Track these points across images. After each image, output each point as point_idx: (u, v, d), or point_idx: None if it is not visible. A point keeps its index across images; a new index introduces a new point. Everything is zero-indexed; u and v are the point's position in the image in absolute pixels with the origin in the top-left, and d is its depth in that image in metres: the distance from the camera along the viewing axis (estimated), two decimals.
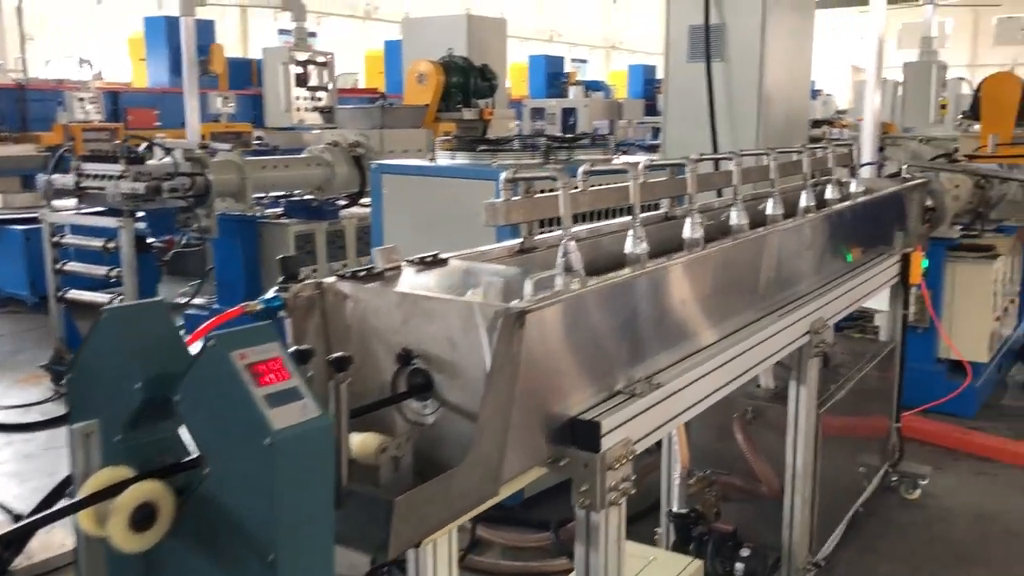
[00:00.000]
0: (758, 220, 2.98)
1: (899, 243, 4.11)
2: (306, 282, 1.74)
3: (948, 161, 6.09)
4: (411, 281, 1.82)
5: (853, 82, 21.17)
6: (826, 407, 3.18)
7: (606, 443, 1.80)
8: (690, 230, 2.49)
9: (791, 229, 3.02)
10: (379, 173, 4.00)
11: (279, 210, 6.50)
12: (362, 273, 1.78)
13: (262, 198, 6.59)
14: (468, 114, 8.02)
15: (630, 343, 2.02)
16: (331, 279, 1.77)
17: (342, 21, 27.06)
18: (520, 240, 2.37)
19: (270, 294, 1.75)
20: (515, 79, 25.70)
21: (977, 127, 6.43)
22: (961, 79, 12.36)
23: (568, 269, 2.05)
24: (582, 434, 1.79)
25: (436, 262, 1.96)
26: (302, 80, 7.91)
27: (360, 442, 1.49)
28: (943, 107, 6.66)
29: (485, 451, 1.54)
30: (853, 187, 4.01)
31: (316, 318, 1.75)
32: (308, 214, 6.42)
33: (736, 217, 2.83)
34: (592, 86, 21.55)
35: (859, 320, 5.18)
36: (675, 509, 3.13)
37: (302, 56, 7.95)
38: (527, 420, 1.67)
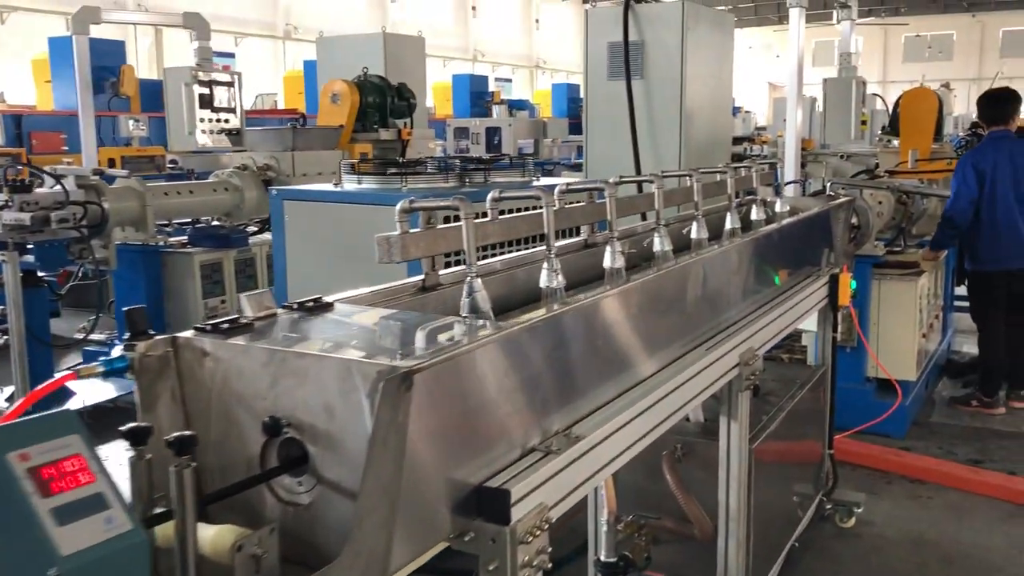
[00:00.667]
0: (682, 244, 2.81)
1: (827, 263, 3.99)
2: (157, 338, 1.47)
3: (870, 177, 6.06)
4: (285, 333, 1.56)
5: (771, 99, 21.52)
6: (759, 440, 3.01)
7: (517, 512, 1.57)
8: (611, 259, 2.29)
9: (717, 255, 2.84)
10: (279, 199, 3.72)
11: (184, 238, 6.14)
12: (225, 325, 1.51)
13: (166, 225, 6.23)
14: (385, 134, 7.75)
15: (544, 392, 1.79)
16: (188, 333, 1.50)
17: (261, 41, 26.59)
18: (423, 276, 2.13)
19: (115, 352, 1.48)
20: (439, 99, 25.51)
21: (896, 143, 6.43)
22: (875, 95, 12.59)
23: (473, 310, 1.82)
24: (489, 504, 1.55)
25: (318, 307, 1.71)
26: (206, 101, 7.55)
27: (213, 538, 1.23)
28: (864, 123, 6.66)
29: (368, 539, 1.29)
30: (778, 207, 3.88)
31: (170, 381, 1.48)
32: (215, 242, 6.07)
33: (659, 243, 2.64)
34: (516, 105, 21.48)
35: (787, 340, 5.08)
36: (603, 557, 2.91)
37: (206, 76, 7.58)
38: (423, 493, 1.43)
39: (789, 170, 5.19)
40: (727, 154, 6.49)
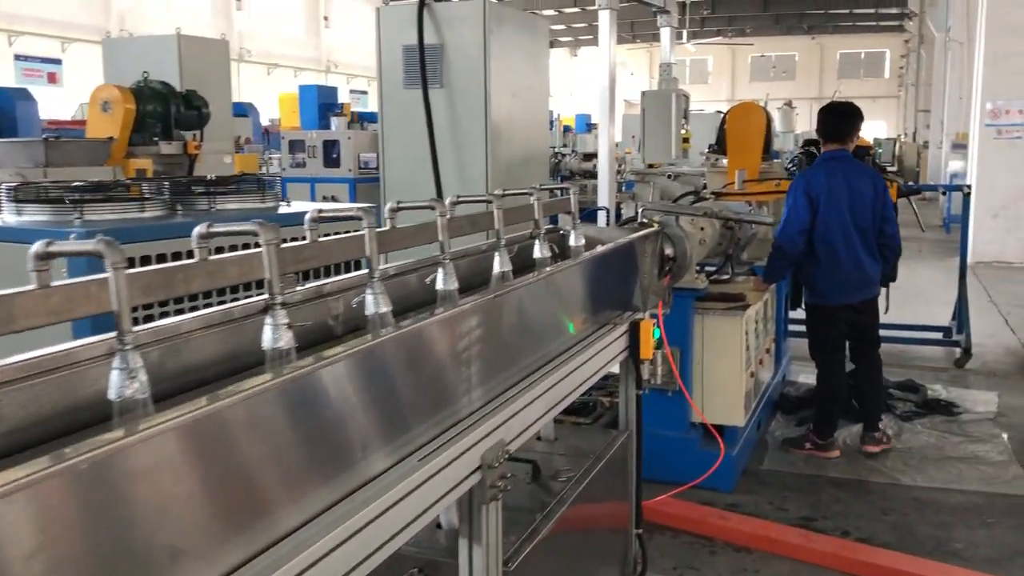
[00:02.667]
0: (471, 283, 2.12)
1: (632, 305, 3.37)
2: None
3: (696, 199, 5.56)
4: None
5: (624, 115, 21.50)
6: (524, 554, 2.30)
7: None
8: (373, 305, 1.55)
9: (467, 311, 2.14)
10: None
11: None
12: None
13: None
14: (168, 148, 6.78)
15: (199, 527, 1.02)
16: None
17: (92, 47, 24.77)
18: None
19: None
20: (285, 110, 24.34)
21: (725, 161, 5.97)
22: (719, 112, 12.39)
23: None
24: None
25: None
26: None
27: None
28: (686, 140, 6.19)
29: None
30: (573, 240, 3.23)
31: None
32: None
33: (372, 305, 1.92)
34: (368, 117, 20.64)
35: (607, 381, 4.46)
36: None
37: None
38: None
39: (603, 194, 4.58)
40: (544, 173, 5.87)
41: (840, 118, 5.14)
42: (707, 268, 5.82)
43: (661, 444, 4.64)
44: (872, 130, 42.94)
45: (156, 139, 6.74)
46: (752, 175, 5.71)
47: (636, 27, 40.06)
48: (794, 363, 7.04)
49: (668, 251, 4.07)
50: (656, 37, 38.37)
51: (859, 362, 5.34)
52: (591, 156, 18.44)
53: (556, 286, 2.69)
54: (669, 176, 6.32)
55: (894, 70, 47.41)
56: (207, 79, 8.33)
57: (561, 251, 3.34)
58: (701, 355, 4.69)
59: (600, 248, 3.12)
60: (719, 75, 51.88)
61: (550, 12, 37.71)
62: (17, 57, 25.84)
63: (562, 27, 42.35)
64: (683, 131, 6.08)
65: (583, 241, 3.22)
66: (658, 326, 3.16)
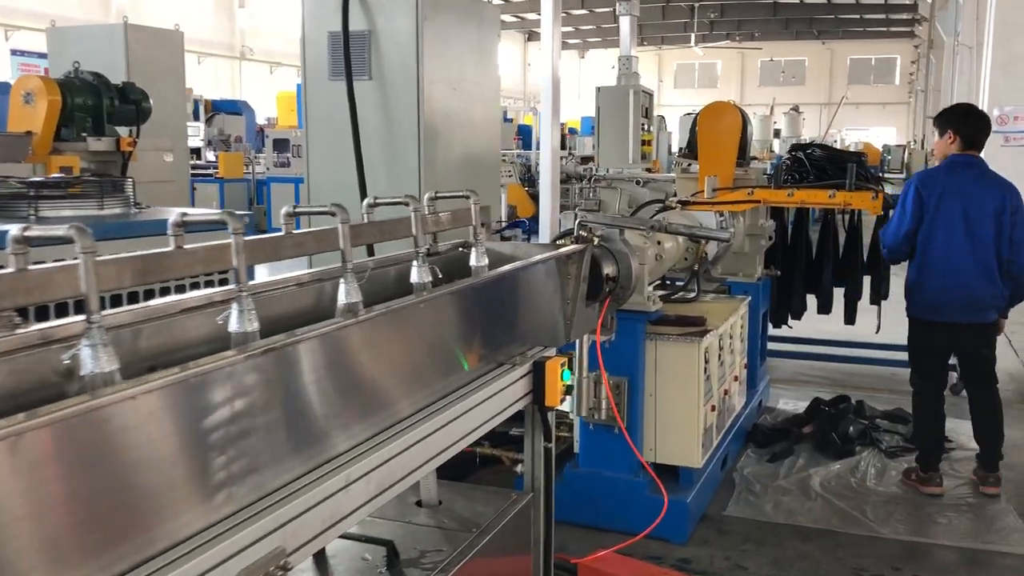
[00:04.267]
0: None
1: (544, 338, 2.82)
2: None
3: (661, 208, 5.00)
4: None
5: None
6: None
7: None
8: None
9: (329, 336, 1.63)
10: None
11: None
12: None
13: None
14: (97, 144, 6.24)
15: None
16: None
17: (39, 36, 24.37)
18: None
19: None
20: (283, 109, 23.90)
21: (697, 167, 5.41)
22: (689, 113, 11.77)
23: None
24: None
25: None
26: None
27: None
28: (646, 143, 5.61)
29: None
30: (474, 259, 2.70)
31: None
32: None
33: (235, 320, 1.41)
34: None
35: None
36: None
37: None
38: None
39: (545, 205, 4.03)
40: (494, 178, 5.32)
41: (979, 122, 4.60)
42: (678, 283, 5.28)
43: (608, 487, 4.11)
44: (882, 137, 42.30)
45: (85, 135, 6.23)
46: (725, 182, 5.14)
47: (645, 30, 39.53)
48: (774, 386, 6.48)
49: (609, 270, 3.52)
50: (665, 40, 37.96)
51: (972, 390, 4.76)
52: (589, 159, 17.91)
53: (422, 318, 2.14)
54: (638, 182, 5.77)
55: (904, 76, 46.70)
56: (157, 71, 7.82)
57: (460, 272, 2.80)
58: (654, 386, 4.13)
59: (502, 268, 2.57)
60: (728, 80, 51.24)
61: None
62: (13, 52, 25.43)
63: (570, 29, 41.85)
64: (643, 133, 5.50)
65: (485, 261, 2.69)
66: (568, 368, 2.60)
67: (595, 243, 3.54)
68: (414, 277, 2.35)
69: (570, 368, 3.65)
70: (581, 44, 46.12)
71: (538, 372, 2.54)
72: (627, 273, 3.61)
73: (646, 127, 5.75)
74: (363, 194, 4.35)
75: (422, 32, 4.33)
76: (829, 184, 4.98)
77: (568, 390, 2.58)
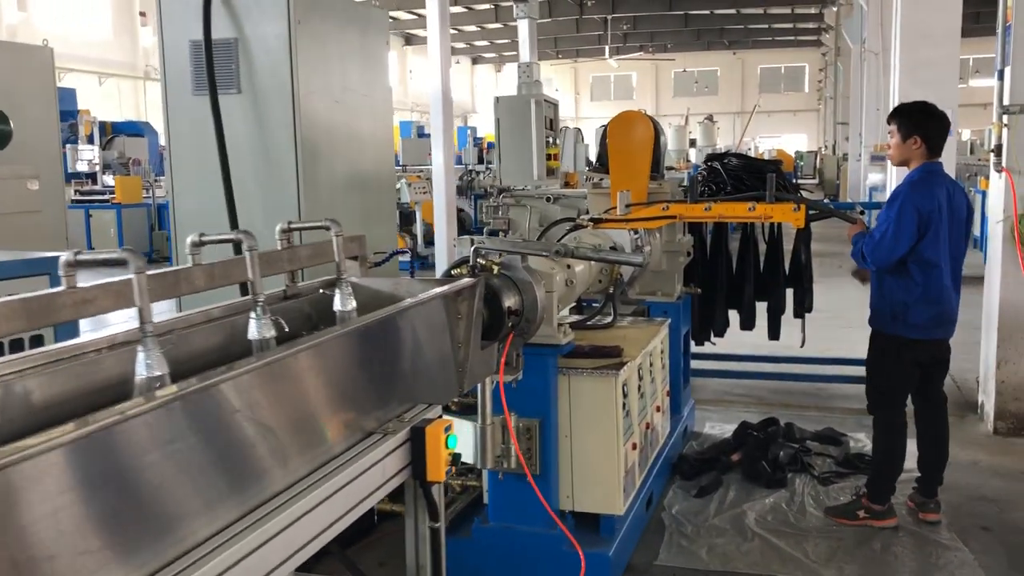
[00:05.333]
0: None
1: (434, 393, 2.37)
2: None
3: (572, 227, 4.60)
4: None
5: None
6: None
7: None
8: None
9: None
10: None
11: None
12: None
13: None
14: None
15: None
16: None
17: None
18: None
19: None
20: None
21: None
22: (604, 126, 11.47)
23: None
24: None
25: None
26: None
27: None
28: (552, 158, 5.19)
29: None
30: (338, 302, 2.24)
31: None
32: None
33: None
34: None
35: None
36: None
37: None
38: None
39: (440, 229, 3.56)
40: (390, 200, 4.85)
41: (944, 127, 4.19)
42: (594, 304, 4.89)
43: (522, 543, 3.67)
44: (794, 143, 43.15)
45: None
46: (638, 197, 4.77)
47: (560, 43, 39.52)
48: (700, 408, 6.14)
49: (511, 302, 3.09)
50: (580, 53, 38.05)
51: (928, 412, 4.40)
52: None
53: (256, 389, 1.67)
54: (548, 199, 5.36)
55: (813, 83, 47.88)
56: (24, 91, 7.14)
57: (330, 317, 2.34)
58: (569, 427, 3.71)
59: (363, 319, 2.11)
60: (643, 91, 51.78)
61: (472, 28, 36.93)
62: None
63: (486, 43, 41.58)
64: (551, 147, 5.09)
65: (352, 305, 2.22)
66: (451, 433, 2.15)
67: (495, 272, 3.13)
68: (251, 333, 1.88)
69: (479, 413, 3.22)
70: (497, 58, 45.96)
71: (417, 440, 2.08)
72: (532, 304, 3.19)
73: (551, 140, 5.34)
74: (233, 222, 3.84)
75: (296, 38, 3.84)
76: (748, 196, 4.65)
77: (455, 459, 2.12)
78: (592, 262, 4.19)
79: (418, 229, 13.90)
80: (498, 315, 3.01)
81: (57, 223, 6.94)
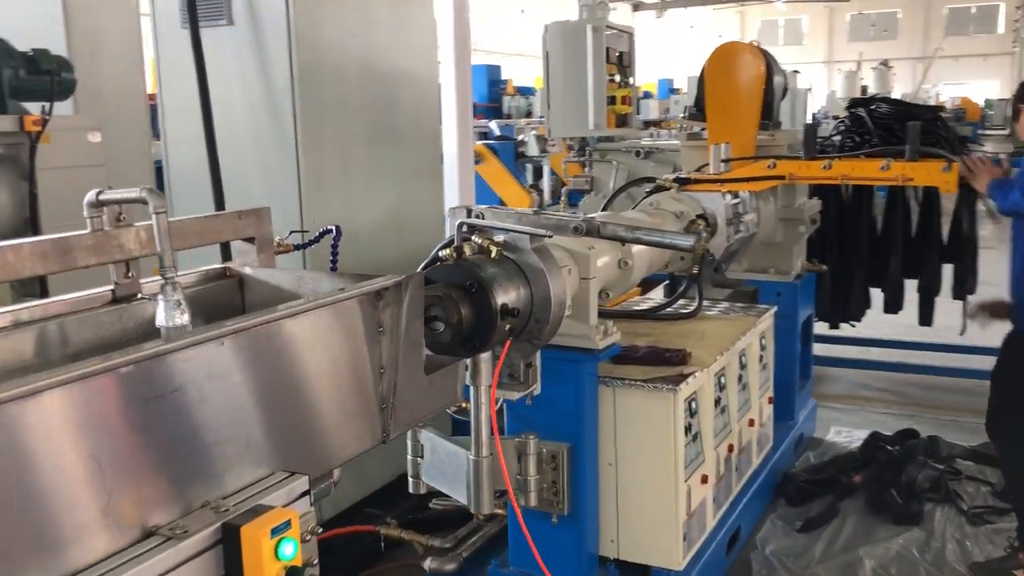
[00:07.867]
0: None
1: (308, 455, 1.62)
2: None
3: (654, 189, 3.69)
4: None
5: (688, 78, 19.51)
6: None
7: None
8: None
9: None
10: None
11: None
12: None
13: None
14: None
15: None
16: None
17: None
18: None
19: None
20: None
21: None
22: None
23: None
24: None
25: None
26: None
27: None
28: (617, 101, 4.15)
29: None
30: (160, 313, 1.52)
31: None
32: None
33: None
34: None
35: None
36: None
37: None
38: None
39: (451, 191, 2.78)
40: (433, 157, 4.07)
41: None
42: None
43: None
44: (983, 91, 39.10)
45: None
46: (743, 151, 3.80)
47: None
48: (826, 406, 5.10)
49: (506, 298, 2.28)
50: None
51: None
52: (649, 124, 16.38)
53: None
54: (638, 153, 4.44)
55: (1009, 24, 43.08)
56: (107, 44, 6.79)
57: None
58: (613, 453, 2.87)
59: (189, 339, 1.37)
60: (815, 36, 48.46)
61: None
62: None
63: None
64: (620, 88, 4.08)
65: (182, 320, 1.50)
66: (287, 535, 1.37)
67: (492, 256, 2.32)
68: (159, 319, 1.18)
69: (473, 440, 2.44)
70: (660, 3, 43.82)
71: (230, 544, 1.32)
72: (544, 300, 2.36)
73: (620, 80, 4.34)
74: (216, 187, 3.19)
75: None
76: (882, 151, 3.59)
77: (292, 572, 1.34)
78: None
79: (545, 184, 13.09)
80: (486, 316, 2.21)
81: (126, 176, 6.57)
